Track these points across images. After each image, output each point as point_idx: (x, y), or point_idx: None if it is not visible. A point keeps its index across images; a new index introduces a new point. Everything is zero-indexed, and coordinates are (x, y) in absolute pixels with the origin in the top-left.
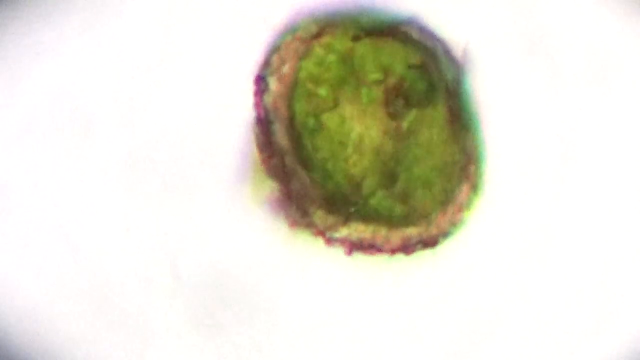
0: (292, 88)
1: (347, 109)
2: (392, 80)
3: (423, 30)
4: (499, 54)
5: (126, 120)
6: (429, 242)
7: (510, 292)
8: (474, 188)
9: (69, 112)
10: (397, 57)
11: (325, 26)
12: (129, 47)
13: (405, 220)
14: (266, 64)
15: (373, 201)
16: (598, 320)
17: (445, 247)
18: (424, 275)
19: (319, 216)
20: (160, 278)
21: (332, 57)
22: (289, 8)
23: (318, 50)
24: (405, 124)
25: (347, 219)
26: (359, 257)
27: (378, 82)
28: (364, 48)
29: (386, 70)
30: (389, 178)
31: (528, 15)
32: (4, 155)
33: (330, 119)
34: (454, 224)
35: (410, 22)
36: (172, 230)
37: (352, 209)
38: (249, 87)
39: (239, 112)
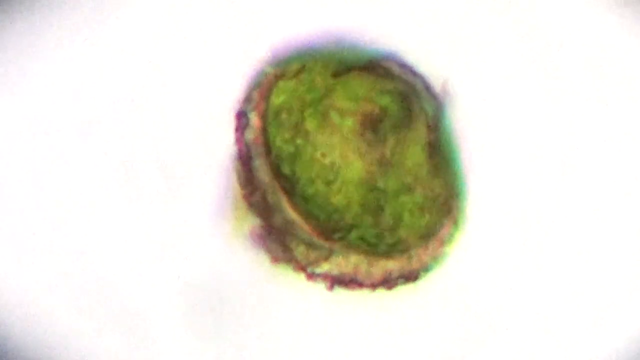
0: (267, 120)
1: (324, 138)
2: (366, 108)
3: (403, 65)
4: (483, 86)
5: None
6: (410, 277)
7: (491, 327)
8: (456, 223)
9: (68, 113)
10: (374, 89)
11: (305, 62)
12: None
13: (388, 250)
14: (247, 99)
15: (356, 231)
16: (590, 344)
17: (426, 282)
18: (404, 310)
19: (301, 251)
20: (159, 280)
21: (305, 89)
22: (270, 44)
23: (293, 83)
24: (384, 152)
25: (328, 254)
26: (341, 292)
27: (352, 111)
28: (341, 82)
29: (362, 99)
30: (372, 209)
31: (519, 43)
32: (4, 155)
33: (307, 148)
34: (435, 259)
35: (390, 57)
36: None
37: (337, 237)
38: (230, 123)
39: (220, 148)
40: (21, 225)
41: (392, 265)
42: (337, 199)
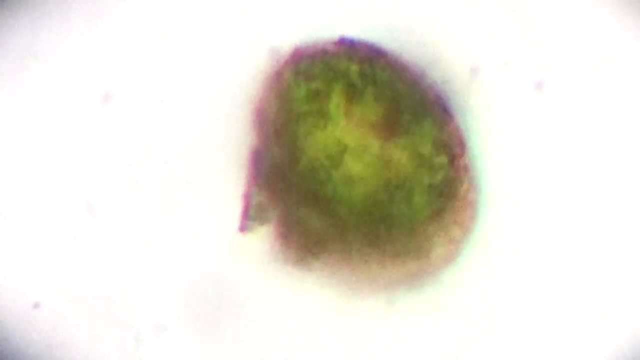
0: (285, 116)
1: (342, 134)
2: (383, 101)
3: (412, 56)
4: (496, 80)
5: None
6: (423, 277)
7: (504, 328)
8: (469, 222)
9: (69, 113)
10: (387, 81)
11: (324, 56)
12: (125, 57)
13: (399, 249)
14: (264, 95)
15: (361, 228)
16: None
17: (439, 282)
18: (417, 310)
19: (317, 247)
20: (159, 279)
21: (325, 84)
22: (288, 40)
23: (312, 78)
24: (397, 148)
25: (342, 252)
26: (354, 289)
27: (372, 108)
28: (361, 77)
29: (380, 96)
30: (377, 205)
31: (523, 35)
32: (4, 155)
33: (324, 145)
34: (448, 259)
35: (400, 48)
36: (167, 239)
37: (346, 233)
38: (246, 120)
39: (238, 142)
40: (22, 226)
41: (403, 265)
42: (348, 195)
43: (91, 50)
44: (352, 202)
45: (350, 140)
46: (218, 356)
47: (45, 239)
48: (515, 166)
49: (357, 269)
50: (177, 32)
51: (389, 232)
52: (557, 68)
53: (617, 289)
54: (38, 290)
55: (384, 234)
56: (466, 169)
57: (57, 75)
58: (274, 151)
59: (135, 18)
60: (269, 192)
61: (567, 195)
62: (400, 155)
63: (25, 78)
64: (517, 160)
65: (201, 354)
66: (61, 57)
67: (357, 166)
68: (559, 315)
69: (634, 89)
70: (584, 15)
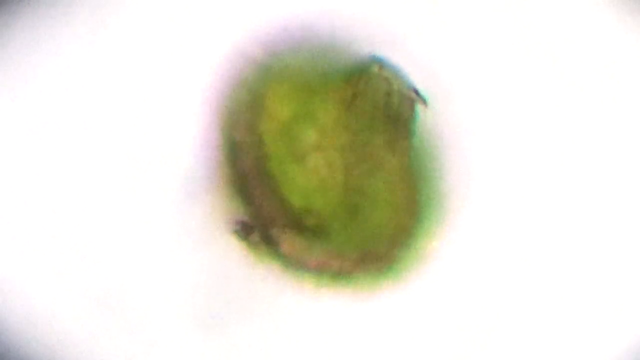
0: (255, 117)
1: (309, 138)
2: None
3: (386, 69)
4: (476, 87)
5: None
6: (390, 268)
7: (477, 324)
8: (436, 220)
9: (69, 114)
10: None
11: (292, 62)
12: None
13: (356, 247)
14: (235, 95)
15: (331, 228)
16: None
17: (410, 279)
18: (390, 306)
19: (284, 240)
20: (160, 280)
21: (292, 88)
22: (257, 40)
23: (279, 81)
24: (364, 155)
25: (312, 243)
26: (325, 282)
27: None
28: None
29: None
30: (345, 207)
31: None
32: (4, 155)
33: (291, 145)
34: (417, 255)
35: (374, 61)
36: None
37: (312, 230)
38: (218, 120)
39: (205, 136)
40: (23, 228)
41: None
42: (314, 195)
43: (90, 53)
44: (316, 199)
45: (321, 138)
46: (221, 356)
47: (45, 241)
48: (496, 164)
49: (330, 257)
50: (169, 36)
51: (348, 230)
52: (556, 69)
53: (601, 289)
54: (38, 292)
55: (343, 231)
56: (433, 181)
57: (55, 77)
58: (243, 147)
59: (127, 21)
60: (239, 184)
61: (550, 194)
62: (367, 161)
63: (23, 79)
64: (498, 158)
65: (203, 354)
66: (60, 59)
67: (324, 169)
68: (539, 312)
69: (634, 89)
70: (583, 16)
